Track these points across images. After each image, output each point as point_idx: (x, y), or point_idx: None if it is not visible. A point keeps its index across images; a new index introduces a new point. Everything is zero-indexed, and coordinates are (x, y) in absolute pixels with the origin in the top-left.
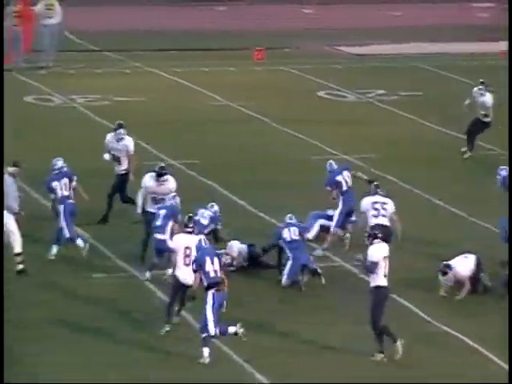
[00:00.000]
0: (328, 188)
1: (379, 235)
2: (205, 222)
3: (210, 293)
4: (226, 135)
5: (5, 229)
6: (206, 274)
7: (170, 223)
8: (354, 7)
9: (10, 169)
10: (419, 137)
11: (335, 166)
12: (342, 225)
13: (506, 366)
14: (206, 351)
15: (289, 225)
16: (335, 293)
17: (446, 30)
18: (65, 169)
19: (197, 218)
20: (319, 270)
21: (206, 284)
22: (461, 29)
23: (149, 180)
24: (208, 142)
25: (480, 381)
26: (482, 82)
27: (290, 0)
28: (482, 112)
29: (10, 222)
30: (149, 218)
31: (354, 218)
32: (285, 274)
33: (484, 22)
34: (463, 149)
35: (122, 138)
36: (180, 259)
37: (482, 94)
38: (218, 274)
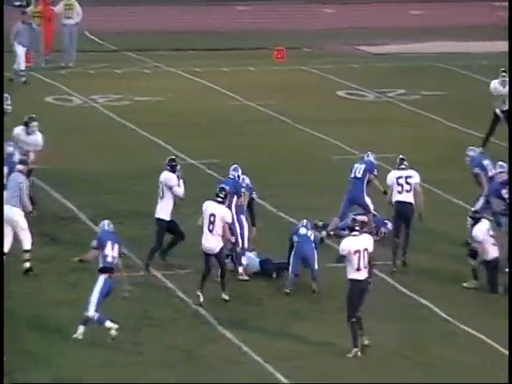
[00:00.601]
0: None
1: (357, 227)
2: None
3: (102, 277)
4: (246, 135)
5: (15, 226)
6: (105, 256)
7: (234, 199)
8: (374, 6)
9: (20, 166)
10: (441, 137)
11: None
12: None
13: None
14: (80, 328)
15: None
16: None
17: (467, 29)
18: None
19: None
20: (315, 275)
21: (100, 266)
22: (482, 28)
23: None
24: (228, 141)
25: (498, 380)
26: (503, 71)
27: None
28: (503, 102)
29: (21, 219)
30: (163, 226)
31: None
32: (289, 267)
33: (505, 21)
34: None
35: (33, 132)
36: (205, 225)
37: (504, 83)
38: (115, 261)
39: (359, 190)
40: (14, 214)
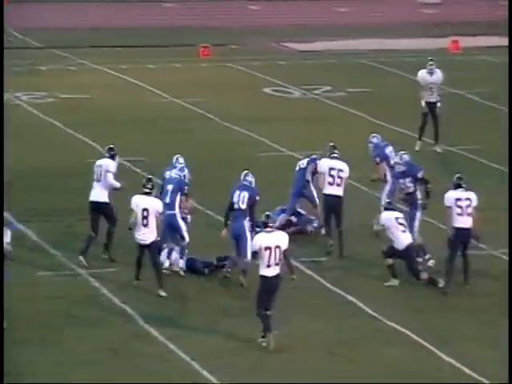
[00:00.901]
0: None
1: (270, 224)
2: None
3: None
4: (172, 132)
5: None
6: None
7: (178, 197)
8: (300, 3)
9: None
10: (366, 133)
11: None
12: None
13: (453, 362)
14: None
15: (241, 187)
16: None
17: (392, 27)
18: None
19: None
20: (245, 267)
21: None
22: (407, 25)
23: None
24: (154, 139)
25: (428, 376)
26: (431, 59)
27: None
28: (430, 92)
29: None
30: (101, 209)
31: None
32: None
33: (431, 19)
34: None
35: None
36: (139, 219)
37: (431, 72)
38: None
39: (303, 183)
40: None
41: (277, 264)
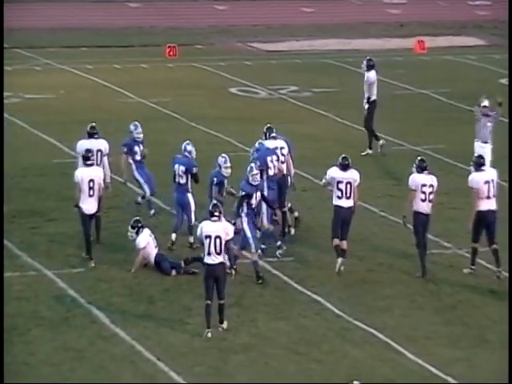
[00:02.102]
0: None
1: (216, 213)
2: None
3: None
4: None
5: None
6: None
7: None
8: (266, 4)
9: None
10: (332, 133)
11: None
12: None
13: (420, 361)
14: None
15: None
16: (249, 288)
17: (358, 27)
18: None
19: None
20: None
21: None
22: (373, 25)
23: None
24: (121, 139)
25: (393, 376)
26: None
27: None
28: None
29: None
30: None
31: None
32: None
33: (396, 19)
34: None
35: None
36: (85, 191)
37: (367, 69)
38: None
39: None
40: None
41: (218, 253)
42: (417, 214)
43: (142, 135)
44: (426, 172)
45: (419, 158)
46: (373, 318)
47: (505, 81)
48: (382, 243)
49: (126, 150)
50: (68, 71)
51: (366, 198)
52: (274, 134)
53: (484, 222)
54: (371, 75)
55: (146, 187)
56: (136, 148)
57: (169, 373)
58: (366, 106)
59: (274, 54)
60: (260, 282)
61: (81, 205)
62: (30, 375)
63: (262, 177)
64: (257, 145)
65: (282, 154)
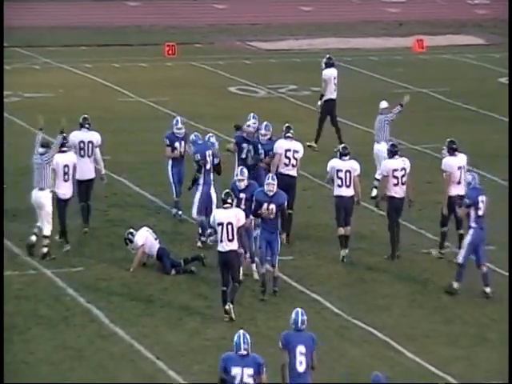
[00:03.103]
0: None
1: (229, 201)
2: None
3: None
4: (137, 131)
5: (42, 209)
6: None
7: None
8: (265, 3)
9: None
10: (332, 132)
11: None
12: None
13: (418, 360)
14: None
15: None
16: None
17: (357, 26)
18: None
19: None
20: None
21: None
22: (372, 24)
23: None
24: (120, 138)
25: (391, 374)
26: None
27: None
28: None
29: (48, 203)
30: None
31: None
32: None
33: (395, 17)
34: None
35: None
36: (60, 176)
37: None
38: None
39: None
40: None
41: (230, 240)
42: (391, 198)
43: (183, 131)
44: (396, 156)
45: (390, 142)
46: (372, 317)
47: (504, 80)
48: (381, 242)
49: (167, 142)
50: (67, 70)
51: (364, 197)
52: (289, 135)
53: (452, 206)
54: (327, 73)
55: (173, 188)
56: (177, 144)
57: (168, 371)
58: (319, 103)
59: (273, 52)
60: (263, 289)
61: (56, 190)
62: (30, 374)
63: (200, 171)
64: (193, 137)
65: (295, 158)
